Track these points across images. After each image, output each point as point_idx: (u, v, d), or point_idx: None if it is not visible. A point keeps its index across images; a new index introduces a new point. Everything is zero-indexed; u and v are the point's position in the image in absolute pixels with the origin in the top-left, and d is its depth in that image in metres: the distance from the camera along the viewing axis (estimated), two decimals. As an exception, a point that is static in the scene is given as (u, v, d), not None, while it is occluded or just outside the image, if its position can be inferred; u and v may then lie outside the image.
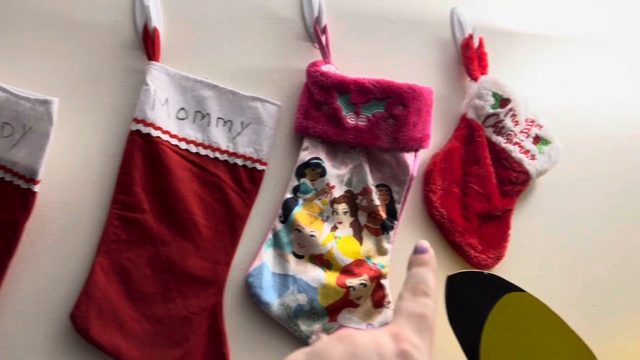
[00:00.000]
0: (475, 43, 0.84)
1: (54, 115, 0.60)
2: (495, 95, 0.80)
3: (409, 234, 0.79)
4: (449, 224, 0.78)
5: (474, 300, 0.64)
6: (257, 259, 0.70)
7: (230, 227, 0.71)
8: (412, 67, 0.83)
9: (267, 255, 0.71)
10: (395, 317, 0.30)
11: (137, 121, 0.68)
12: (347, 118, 0.73)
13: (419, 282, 0.32)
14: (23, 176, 0.59)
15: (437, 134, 0.82)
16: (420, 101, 0.75)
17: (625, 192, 0.92)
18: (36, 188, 0.60)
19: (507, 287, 0.66)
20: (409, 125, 0.74)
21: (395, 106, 0.74)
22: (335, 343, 0.26)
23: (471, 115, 0.81)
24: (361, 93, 0.74)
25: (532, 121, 0.83)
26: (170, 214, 0.68)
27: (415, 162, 0.76)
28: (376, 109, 0.74)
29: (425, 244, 0.36)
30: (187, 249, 0.69)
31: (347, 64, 0.80)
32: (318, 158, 0.73)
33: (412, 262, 0.35)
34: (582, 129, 0.91)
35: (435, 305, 0.31)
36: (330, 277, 0.71)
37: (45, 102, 0.60)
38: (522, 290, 0.66)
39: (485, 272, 0.66)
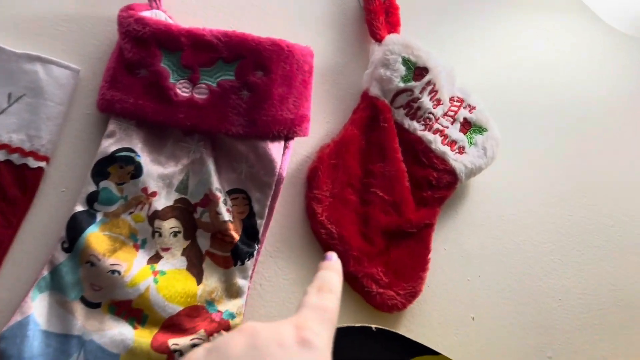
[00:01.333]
0: (382, -9, 0.59)
1: None
2: (406, 62, 0.56)
3: (280, 263, 0.52)
4: (340, 245, 0.53)
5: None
6: (19, 312, 0.43)
7: (-22, 259, 0.43)
8: (294, 24, 0.59)
9: (36, 305, 0.44)
10: (299, 310, 0.30)
11: None
12: (177, 88, 0.48)
13: (324, 282, 0.32)
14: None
15: (331, 117, 0.57)
16: (291, 65, 0.49)
17: (584, 198, 0.68)
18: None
19: (410, 349, 0.40)
20: (272, 100, 0.48)
21: (251, 71, 0.48)
22: (236, 335, 0.26)
23: (375, 91, 0.56)
24: (199, 50, 0.48)
25: (460, 100, 0.59)
26: None
27: (285, 155, 0.51)
28: (223, 76, 0.49)
29: (332, 254, 0.35)
30: None
31: (192, 14, 0.55)
32: (129, 149, 0.47)
33: (319, 267, 0.34)
34: (531, 114, 0.68)
35: (338, 302, 0.31)
36: (142, 337, 0.45)
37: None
38: (434, 353, 0.40)
39: (374, 326, 0.40)
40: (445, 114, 0.59)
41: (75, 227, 0.46)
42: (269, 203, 0.51)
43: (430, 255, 0.57)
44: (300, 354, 0.25)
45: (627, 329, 0.66)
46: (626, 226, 0.69)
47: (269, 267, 0.53)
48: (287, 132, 0.51)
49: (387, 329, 0.42)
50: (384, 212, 0.56)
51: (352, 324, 0.42)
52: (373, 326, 0.42)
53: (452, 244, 0.60)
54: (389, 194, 0.56)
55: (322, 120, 0.58)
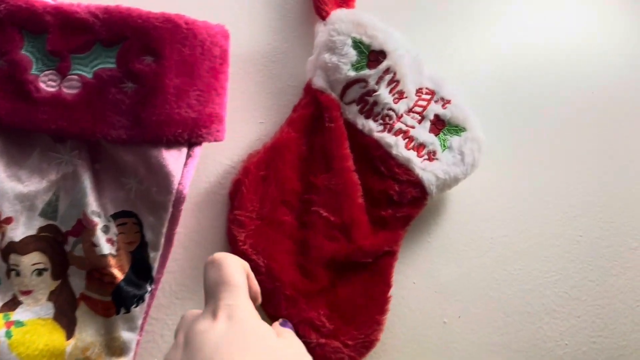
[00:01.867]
0: (330, -44, 0.47)
1: None
2: (357, 44, 0.43)
3: (189, 305, 0.41)
4: (268, 282, 0.41)
5: None
6: None
7: None
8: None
9: None
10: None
11: None
12: (40, 81, 0.36)
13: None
14: None
15: (267, 117, 0.46)
16: (193, 49, 0.38)
17: (599, 213, 0.54)
18: None
19: None
20: (165, 93, 0.37)
21: (136, 56, 0.36)
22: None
23: (319, 82, 0.44)
24: (70, 32, 0.38)
25: (430, 92, 0.46)
26: None
27: (188, 167, 0.39)
28: (101, 64, 0.38)
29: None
30: None
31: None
32: (-27, 162, 0.35)
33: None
34: (530, 109, 0.54)
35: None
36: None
37: None
38: None
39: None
40: (410, 110, 0.46)
41: None
42: (165, 230, 0.39)
43: (392, 292, 0.44)
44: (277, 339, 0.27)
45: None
46: (654, 248, 0.54)
47: (174, 311, 0.40)
48: (189, 135, 0.38)
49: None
50: (329, 237, 0.43)
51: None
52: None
53: (424, 277, 0.47)
54: (335, 214, 0.44)
55: (253, 121, 0.46)
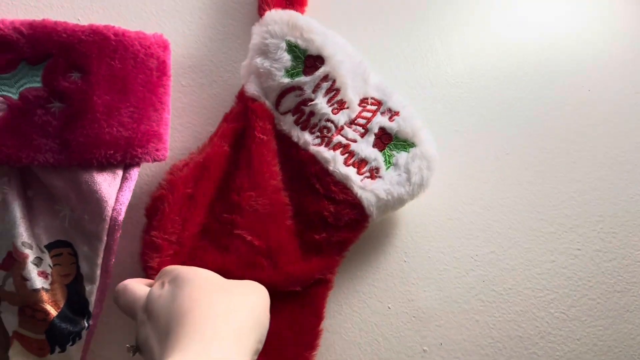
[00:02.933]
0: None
1: None
2: (292, 48, 0.40)
3: (123, 343, 0.37)
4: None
5: None
6: None
7: None
8: (155, 5, 0.43)
9: None
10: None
11: None
12: (-39, 104, 0.33)
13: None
14: None
15: (202, 128, 0.41)
16: (124, 62, 0.36)
17: (598, 224, 0.49)
18: None
19: None
20: (94, 111, 0.34)
21: (62, 73, 0.33)
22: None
23: (252, 89, 0.41)
24: (-9, 49, 0.34)
25: (377, 103, 0.44)
26: None
27: (123, 191, 0.36)
28: (28, 83, 0.35)
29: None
30: None
31: (18, 5, 0.41)
32: None
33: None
34: (508, 116, 0.49)
35: None
36: None
37: None
38: None
39: None
40: (352, 122, 0.42)
41: None
42: (99, 261, 0.36)
43: (363, 318, 0.41)
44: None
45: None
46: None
47: (114, 348, 0.37)
48: (122, 156, 0.36)
49: None
50: (252, 265, 0.39)
51: None
52: None
53: (400, 301, 0.44)
54: (260, 237, 0.39)
55: (191, 134, 0.43)
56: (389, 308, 0.44)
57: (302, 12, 0.44)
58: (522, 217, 0.48)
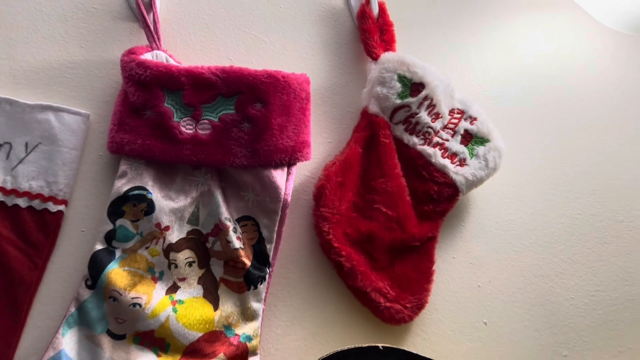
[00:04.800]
0: (374, 10, 0.61)
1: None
2: (402, 79, 0.57)
3: (291, 284, 0.55)
4: (346, 262, 0.54)
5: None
6: (51, 348, 0.47)
7: (10, 301, 0.48)
8: (291, 49, 0.62)
9: (66, 341, 0.47)
10: None
11: None
12: (181, 126, 0.50)
13: None
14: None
15: (332, 137, 0.60)
16: (288, 95, 0.52)
17: (591, 196, 0.69)
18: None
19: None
20: (272, 130, 0.51)
21: (249, 104, 0.51)
22: None
23: (374, 108, 0.58)
24: (199, 88, 0.51)
25: (461, 112, 0.60)
26: None
27: (289, 181, 0.54)
28: (224, 110, 0.52)
29: None
30: None
31: (192, 50, 0.58)
32: (141, 187, 0.50)
33: None
34: (535, 119, 0.69)
35: None
36: (165, 364, 0.47)
37: None
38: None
39: (381, 345, 0.42)
40: (445, 127, 0.60)
41: (96, 265, 0.49)
42: (276, 228, 0.54)
43: (435, 267, 0.59)
44: None
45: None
46: (637, 220, 0.70)
47: (282, 288, 0.56)
48: (289, 159, 0.53)
49: (393, 346, 0.44)
50: (388, 228, 0.58)
51: (360, 345, 0.44)
52: (380, 345, 0.44)
53: (461, 252, 0.62)
54: (391, 209, 0.58)
55: (323, 141, 0.61)
56: (454, 258, 0.63)
57: (393, 49, 0.63)
58: (541, 193, 0.68)
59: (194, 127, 0.52)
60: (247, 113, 0.52)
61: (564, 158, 0.70)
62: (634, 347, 0.66)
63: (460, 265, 0.62)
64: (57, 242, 0.51)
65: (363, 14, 0.62)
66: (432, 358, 0.45)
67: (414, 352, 0.48)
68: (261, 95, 0.52)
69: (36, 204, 0.50)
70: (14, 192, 0.50)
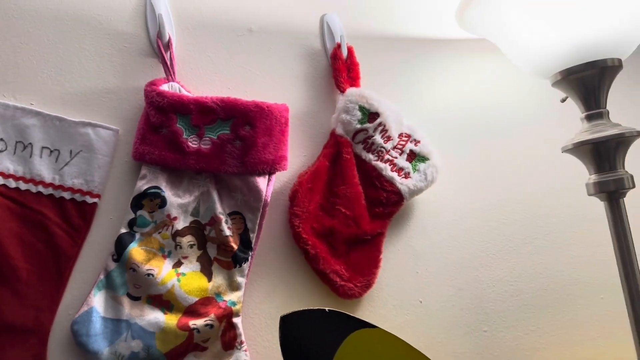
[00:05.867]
0: (344, 53, 0.77)
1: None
2: (362, 109, 0.74)
3: (268, 264, 0.72)
4: (312, 250, 0.71)
5: (315, 341, 0.58)
6: (85, 304, 0.63)
7: (57, 269, 0.64)
8: (278, 81, 0.78)
9: (97, 299, 0.64)
10: None
11: None
12: (189, 141, 0.67)
13: None
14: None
15: (307, 152, 0.76)
16: (271, 120, 0.68)
17: (515, 205, 0.86)
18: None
19: (355, 324, 0.59)
20: (257, 147, 0.67)
21: (241, 127, 0.67)
22: None
23: (339, 131, 0.75)
24: (203, 113, 0.67)
25: (408, 136, 0.77)
26: (-18, 258, 0.61)
27: (269, 186, 0.70)
28: (221, 131, 0.68)
29: None
30: (3, 296, 0.61)
31: (199, 81, 0.74)
32: (157, 187, 0.67)
33: None
34: (468, 142, 0.85)
35: None
36: (170, 320, 0.64)
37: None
38: (372, 326, 0.59)
39: (327, 309, 0.59)
40: (394, 147, 0.77)
41: (121, 244, 0.66)
42: (258, 221, 0.70)
43: (382, 256, 0.75)
44: None
45: (550, 308, 0.83)
46: (553, 226, 0.86)
47: (261, 267, 0.72)
48: (270, 169, 0.69)
49: (336, 310, 0.61)
50: (346, 225, 0.74)
51: (310, 308, 0.60)
52: (326, 308, 0.60)
53: (404, 246, 0.79)
54: (349, 210, 0.74)
55: (299, 155, 0.77)
56: (398, 250, 0.80)
57: (358, 85, 0.79)
58: (473, 200, 0.83)
59: (198, 143, 0.69)
60: (239, 133, 0.69)
61: (493, 173, 0.86)
62: (543, 327, 0.83)
63: (403, 256, 0.79)
64: (92, 226, 0.68)
65: (335, 55, 0.79)
66: (365, 320, 0.61)
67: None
68: (250, 120, 0.69)
69: (77, 196, 0.67)
70: (61, 187, 0.67)
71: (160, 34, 0.70)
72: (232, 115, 0.68)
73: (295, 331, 0.58)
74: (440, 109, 0.85)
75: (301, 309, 0.59)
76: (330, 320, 0.60)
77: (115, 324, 0.64)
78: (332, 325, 0.59)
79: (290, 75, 0.79)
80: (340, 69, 0.77)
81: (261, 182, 0.69)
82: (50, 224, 0.65)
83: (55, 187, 0.66)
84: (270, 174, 0.70)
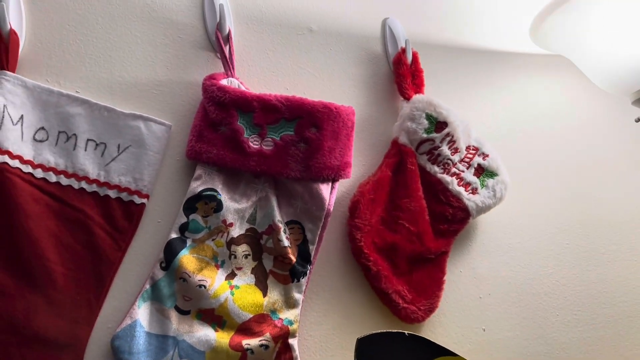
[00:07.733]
0: (409, 58, 0.72)
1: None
2: (429, 117, 0.68)
3: (326, 280, 0.65)
4: (374, 266, 0.65)
5: (393, 368, 0.51)
6: (128, 317, 0.56)
7: (97, 275, 0.57)
8: (337, 84, 0.72)
9: (141, 312, 0.56)
10: None
11: (-26, 142, 0.54)
12: (249, 141, 0.61)
13: None
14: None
15: (366, 160, 0.70)
16: (338, 123, 0.62)
17: (579, 229, 0.80)
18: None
19: (436, 351, 0.52)
20: (323, 150, 0.61)
21: (307, 128, 0.61)
22: None
23: (403, 139, 0.69)
24: (267, 112, 0.61)
25: (475, 149, 0.71)
26: (16, 260, 0.54)
27: (332, 194, 0.64)
28: (285, 132, 0.62)
29: None
30: (36, 303, 0.54)
31: (257, 78, 0.68)
32: (213, 189, 0.60)
33: None
34: (534, 159, 0.80)
35: None
36: (222, 338, 0.57)
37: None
38: (452, 354, 0.53)
39: (407, 332, 0.52)
40: (461, 160, 0.71)
41: (171, 250, 0.59)
42: (319, 232, 0.64)
43: (445, 277, 0.68)
44: None
45: (614, 341, 0.77)
46: (615, 253, 0.81)
47: (317, 283, 0.65)
48: (334, 176, 0.63)
49: (416, 334, 0.55)
50: (409, 240, 0.68)
51: (389, 330, 0.54)
52: (406, 332, 0.54)
53: (467, 268, 0.72)
54: (413, 225, 0.68)
55: (359, 163, 0.71)
56: (460, 272, 0.74)
57: (422, 92, 0.74)
58: (535, 223, 0.78)
59: (260, 143, 0.63)
60: (304, 135, 0.63)
61: (561, 197, 0.81)
62: (606, 362, 0.77)
63: (466, 278, 0.73)
64: (138, 229, 0.61)
65: (399, 60, 0.74)
66: (446, 347, 0.55)
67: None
68: (317, 122, 0.63)
69: (124, 195, 0.60)
70: (106, 185, 0.60)
71: (220, 26, 0.65)
72: (298, 115, 0.62)
73: (372, 355, 0.51)
74: (506, 124, 0.80)
75: (378, 331, 0.53)
76: (409, 345, 0.53)
77: (161, 341, 0.57)
78: (410, 351, 0.53)
79: (349, 79, 0.73)
80: (405, 74, 0.72)
81: (324, 189, 0.63)
82: (92, 225, 0.58)
83: (100, 184, 0.59)
84: (334, 180, 0.64)
